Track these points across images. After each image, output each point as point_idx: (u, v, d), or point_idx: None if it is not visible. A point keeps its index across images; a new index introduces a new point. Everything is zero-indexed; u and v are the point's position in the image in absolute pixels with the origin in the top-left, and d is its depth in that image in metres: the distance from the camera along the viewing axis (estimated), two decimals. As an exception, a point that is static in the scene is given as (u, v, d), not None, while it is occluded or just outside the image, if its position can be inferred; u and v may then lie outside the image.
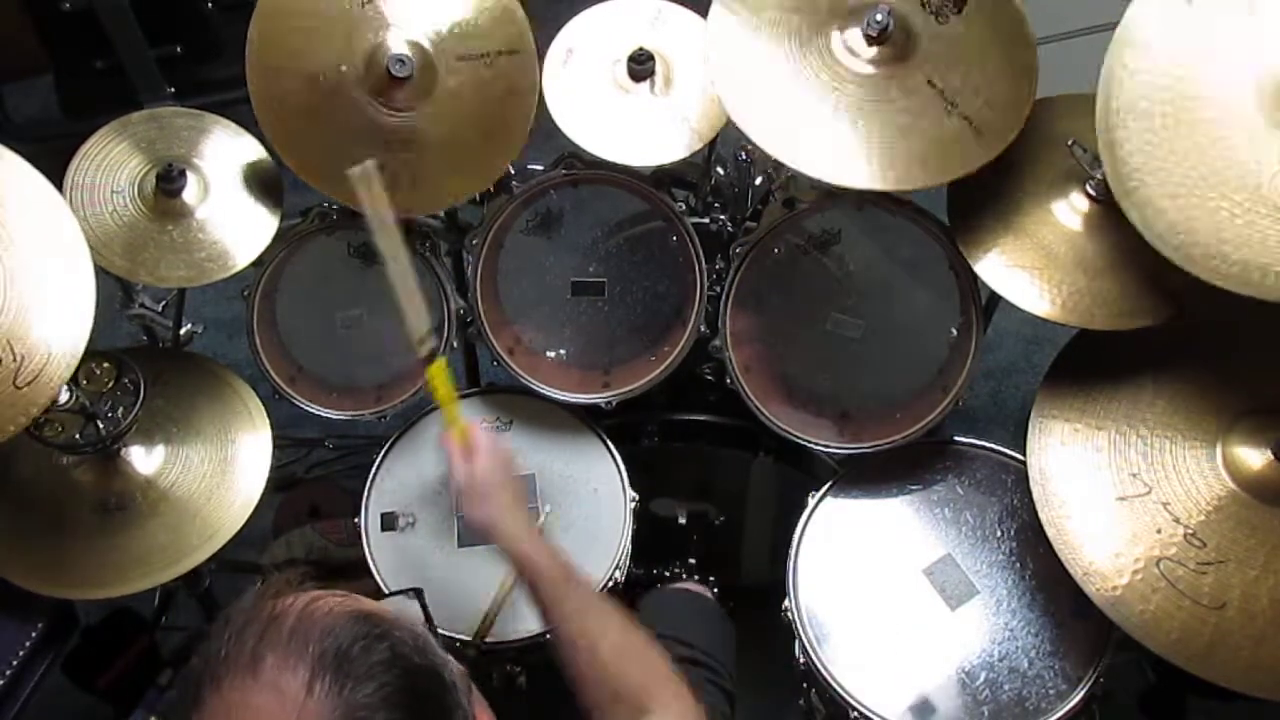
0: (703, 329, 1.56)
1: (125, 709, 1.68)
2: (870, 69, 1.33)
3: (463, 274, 1.75)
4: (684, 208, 1.54)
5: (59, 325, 1.24)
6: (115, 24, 2.20)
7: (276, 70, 1.44)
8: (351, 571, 1.77)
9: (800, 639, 1.44)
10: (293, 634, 0.68)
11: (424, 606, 0.84)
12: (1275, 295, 1.09)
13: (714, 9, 1.37)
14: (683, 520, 1.79)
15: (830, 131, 1.31)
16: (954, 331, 1.53)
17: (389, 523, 1.56)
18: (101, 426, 1.39)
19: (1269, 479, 1.27)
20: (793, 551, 1.50)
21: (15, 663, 1.43)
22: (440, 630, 1.41)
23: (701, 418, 1.72)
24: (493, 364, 1.62)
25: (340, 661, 0.67)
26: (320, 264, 1.62)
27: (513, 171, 1.56)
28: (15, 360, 1.20)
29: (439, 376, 1.25)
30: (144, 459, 1.47)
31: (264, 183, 1.55)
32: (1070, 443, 1.37)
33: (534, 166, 1.59)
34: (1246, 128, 1.15)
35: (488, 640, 1.43)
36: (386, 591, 1.47)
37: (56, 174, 1.46)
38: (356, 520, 1.56)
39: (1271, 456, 1.26)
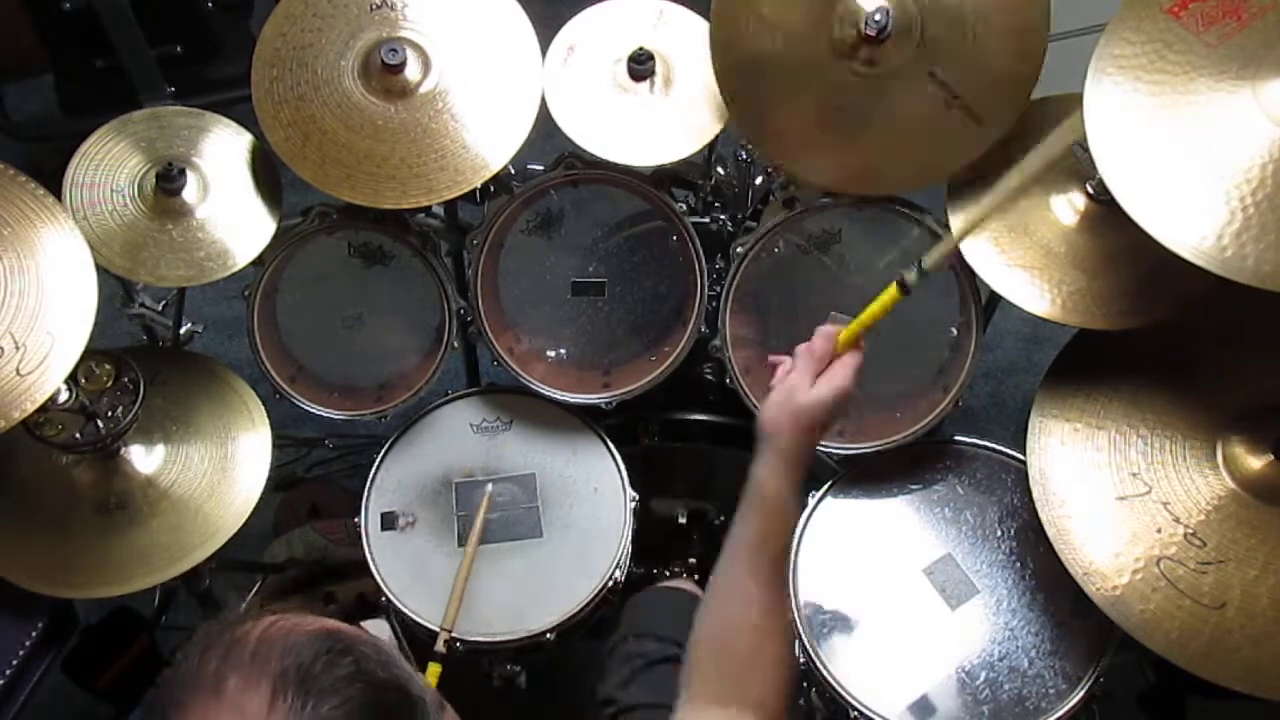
0: (703, 329, 1.56)
1: (125, 709, 1.68)
2: (871, 70, 1.33)
3: (463, 274, 1.75)
4: (684, 208, 1.54)
5: (62, 314, 1.25)
6: (115, 23, 2.20)
7: (281, 68, 1.46)
8: (351, 571, 1.78)
9: (800, 639, 1.44)
10: (255, 655, 0.68)
11: (393, 626, 0.84)
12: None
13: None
14: (683, 520, 1.79)
15: (832, 139, 1.32)
16: (954, 331, 1.53)
17: (389, 522, 1.56)
18: (101, 426, 1.39)
19: (1269, 479, 1.27)
20: (793, 551, 1.50)
21: (15, 663, 1.43)
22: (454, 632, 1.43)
23: (701, 418, 1.72)
24: (493, 364, 1.62)
25: (303, 678, 0.67)
26: (320, 264, 1.62)
27: (513, 171, 1.56)
28: (18, 349, 1.21)
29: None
30: (144, 458, 1.47)
31: (264, 182, 1.55)
32: (1070, 442, 1.37)
33: (534, 166, 1.59)
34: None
35: (457, 637, 1.43)
36: (384, 599, 1.47)
37: (56, 173, 1.46)
38: (356, 520, 1.56)
39: (1271, 456, 1.26)
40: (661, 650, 1.27)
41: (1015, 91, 1.31)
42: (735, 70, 1.38)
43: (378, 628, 0.81)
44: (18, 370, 1.21)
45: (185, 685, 0.68)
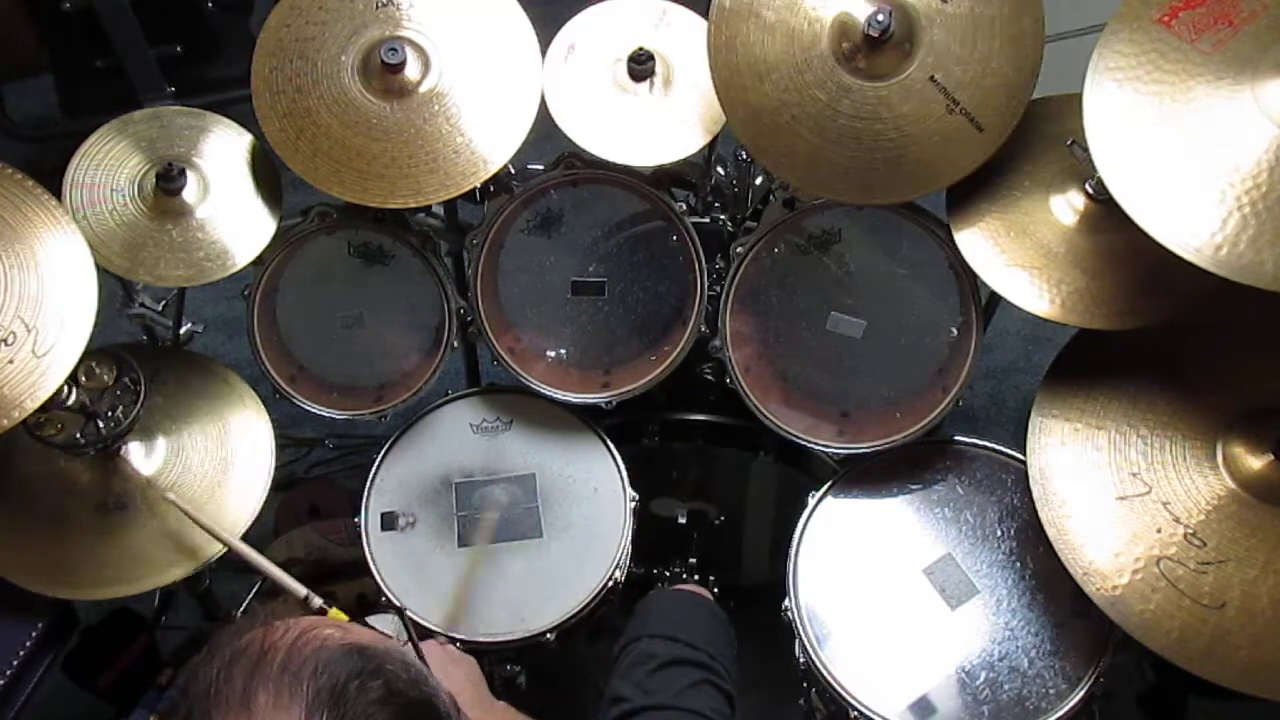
0: (703, 329, 1.56)
1: (125, 709, 1.68)
2: (870, 80, 1.33)
3: (463, 274, 1.75)
4: (684, 208, 1.54)
5: (66, 298, 1.26)
6: (115, 23, 2.20)
7: (282, 59, 1.46)
8: (351, 571, 1.78)
9: (800, 639, 1.44)
10: (284, 669, 0.66)
11: (406, 627, 0.83)
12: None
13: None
14: (683, 520, 1.79)
15: (832, 149, 1.31)
16: (954, 331, 1.53)
17: (389, 523, 1.56)
18: (101, 426, 1.39)
19: (1269, 479, 1.27)
20: (793, 551, 1.50)
21: (15, 663, 1.43)
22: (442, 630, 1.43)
23: (701, 418, 1.72)
24: (493, 364, 1.62)
25: (336, 700, 0.65)
26: (320, 264, 1.62)
27: (513, 171, 1.56)
28: (29, 331, 1.21)
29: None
30: (144, 458, 1.47)
31: (264, 182, 1.55)
32: (1070, 442, 1.37)
33: (534, 166, 1.59)
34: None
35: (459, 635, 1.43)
36: (385, 599, 1.47)
37: (56, 173, 1.46)
38: (356, 520, 1.56)
39: (1271, 456, 1.26)
40: (674, 651, 1.27)
41: (1013, 98, 1.30)
42: (736, 87, 1.37)
43: (382, 622, 0.80)
44: (34, 351, 1.22)
45: (211, 699, 0.65)
